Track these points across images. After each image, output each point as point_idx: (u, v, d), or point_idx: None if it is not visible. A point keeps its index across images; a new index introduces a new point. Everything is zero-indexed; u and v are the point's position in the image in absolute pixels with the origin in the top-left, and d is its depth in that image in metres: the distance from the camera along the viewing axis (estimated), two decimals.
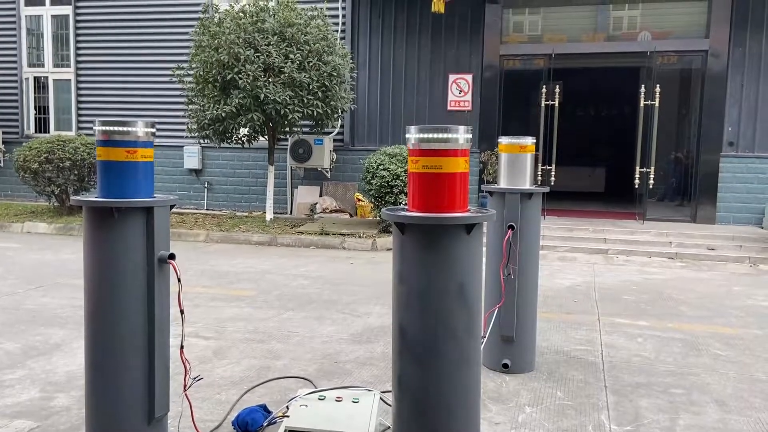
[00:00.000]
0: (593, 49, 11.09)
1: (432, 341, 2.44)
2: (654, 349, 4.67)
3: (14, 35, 12.93)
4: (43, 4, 12.85)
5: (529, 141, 4.05)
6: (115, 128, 2.59)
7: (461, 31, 11.05)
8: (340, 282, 6.80)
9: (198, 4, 11.17)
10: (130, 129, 2.59)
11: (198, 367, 4.01)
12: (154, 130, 2.68)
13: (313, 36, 9.33)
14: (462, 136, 2.42)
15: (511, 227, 3.92)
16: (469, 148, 2.48)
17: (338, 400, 3.07)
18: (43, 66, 13.01)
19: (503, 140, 4.11)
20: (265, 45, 9.06)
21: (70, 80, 12.79)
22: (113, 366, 2.60)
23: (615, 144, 16.22)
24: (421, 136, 2.42)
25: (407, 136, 2.49)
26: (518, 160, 4.05)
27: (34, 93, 13.09)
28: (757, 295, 6.56)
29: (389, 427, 3.03)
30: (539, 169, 10.67)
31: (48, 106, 13.03)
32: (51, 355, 4.30)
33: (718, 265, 8.24)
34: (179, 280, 2.57)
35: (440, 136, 2.40)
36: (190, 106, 9.91)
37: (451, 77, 11.11)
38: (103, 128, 2.61)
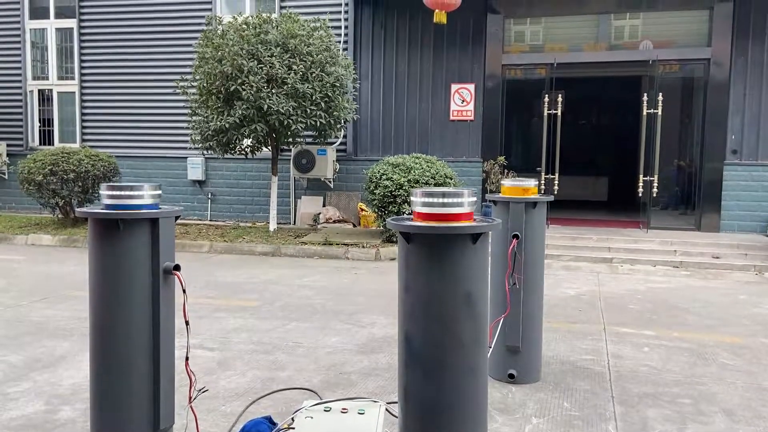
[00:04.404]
0: (595, 58, 11.11)
1: (438, 351, 2.43)
2: (660, 358, 4.64)
3: (18, 48, 13.01)
4: (48, 17, 12.94)
5: (531, 183, 4.11)
6: (122, 192, 2.62)
7: (463, 42, 11.09)
8: (344, 292, 6.79)
9: (201, 17, 11.24)
10: (135, 192, 2.62)
11: (203, 378, 3.99)
12: (160, 191, 2.71)
13: (316, 47, 9.37)
14: (467, 199, 2.45)
15: (516, 236, 3.91)
16: (473, 210, 2.51)
17: (344, 411, 3.04)
18: (47, 78, 13.08)
19: (506, 183, 4.18)
20: (268, 56, 9.10)
21: (74, 92, 12.85)
22: (118, 378, 2.59)
23: (618, 153, 16.23)
24: (426, 199, 2.45)
25: (412, 198, 2.53)
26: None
27: (39, 105, 13.15)
28: (763, 303, 6.53)
29: None
30: (542, 178, 10.67)
31: (52, 119, 13.08)
32: (56, 367, 4.30)
33: (724, 273, 8.20)
34: (184, 291, 2.57)
35: (445, 200, 2.44)
36: (194, 118, 9.94)
37: (454, 87, 11.14)
38: (110, 192, 2.63)
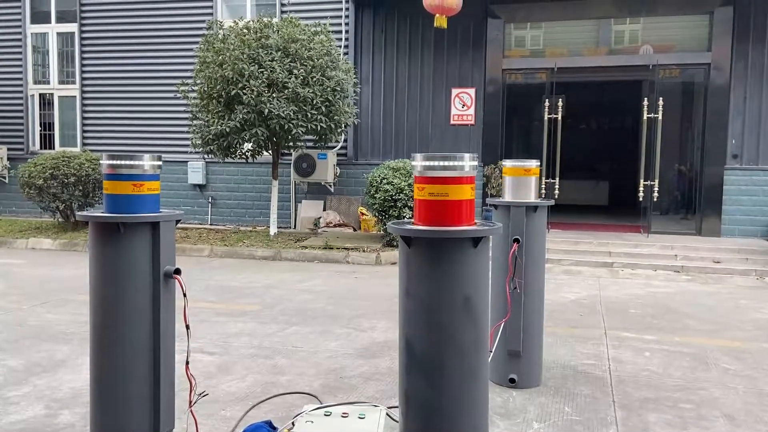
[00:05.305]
0: (595, 63, 11.12)
1: (439, 355, 2.43)
2: (662, 363, 4.63)
3: (20, 52, 13.04)
4: (49, 22, 12.96)
5: (533, 164, 4.02)
6: (122, 162, 2.61)
7: (463, 46, 11.11)
8: (345, 296, 6.78)
9: (202, 21, 11.26)
10: (136, 162, 2.62)
11: (203, 382, 3.98)
12: (160, 162, 2.70)
13: (317, 51, 9.39)
14: (468, 163, 2.41)
15: (517, 240, 3.90)
16: (474, 175, 2.47)
17: (344, 416, 3.04)
18: (48, 83, 13.10)
19: (507, 163, 4.09)
20: (269, 61, 9.12)
21: (75, 97, 12.87)
22: (118, 382, 2.58)
23: (618, 157, 16.23)
24: (427, 163, 2.41)
25: (413, 163, 2.48)
26: (523, 183, 4.03)
27: (40, 110, 13.16)
28: (764, 308, 6.52)
29: None
30: (543, 183, 10.66)
31: (53, 123, 13.10)
32: (55, 371, 4.29)
33: (724, 278, 8.19)
34: (185, 295, 2.56)
35: (446, 163, 2.39)
36: (195, 122, 9.96)
37: (454, 91, 11.15)
38: (109, 162, 2.62)
